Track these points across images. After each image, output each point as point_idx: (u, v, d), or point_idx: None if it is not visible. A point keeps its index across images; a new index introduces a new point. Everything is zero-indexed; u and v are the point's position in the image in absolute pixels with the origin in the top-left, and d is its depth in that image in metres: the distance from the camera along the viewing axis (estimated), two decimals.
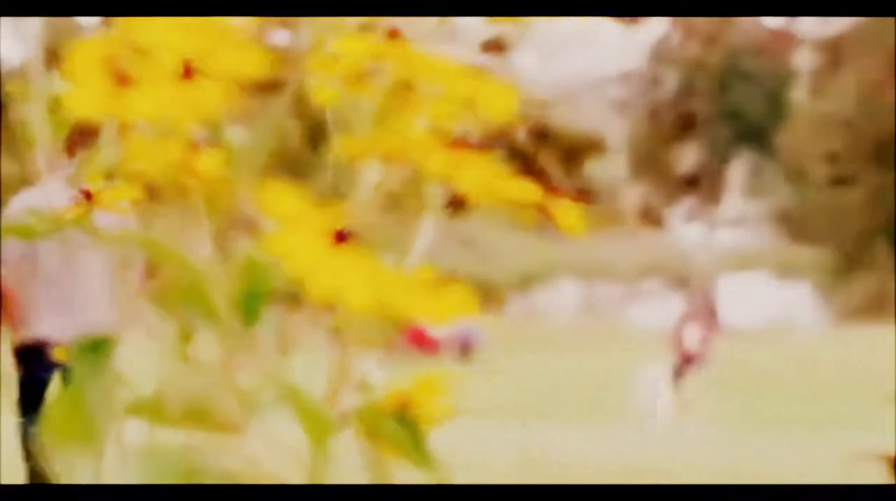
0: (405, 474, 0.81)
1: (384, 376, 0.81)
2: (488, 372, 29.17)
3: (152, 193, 0.79)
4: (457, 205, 0.80)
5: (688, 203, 61.19)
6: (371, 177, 0.78)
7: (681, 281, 42.55)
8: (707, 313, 20.70)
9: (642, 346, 32.10)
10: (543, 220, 0.81)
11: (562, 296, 62.09)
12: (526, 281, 45.27)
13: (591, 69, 51.19)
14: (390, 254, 0.77)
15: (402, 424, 0.80)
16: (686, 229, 56.40)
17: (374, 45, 0.79)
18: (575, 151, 53.71)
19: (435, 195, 0.78)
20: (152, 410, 0.80)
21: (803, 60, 54.63)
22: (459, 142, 0.78)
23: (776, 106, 57.33)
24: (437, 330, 33.29)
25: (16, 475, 5.21)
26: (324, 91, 0.77)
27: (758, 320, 46.11)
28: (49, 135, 1.22)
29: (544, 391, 26.20)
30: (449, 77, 0.80)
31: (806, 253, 44.76)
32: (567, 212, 0.84)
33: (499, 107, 0.82)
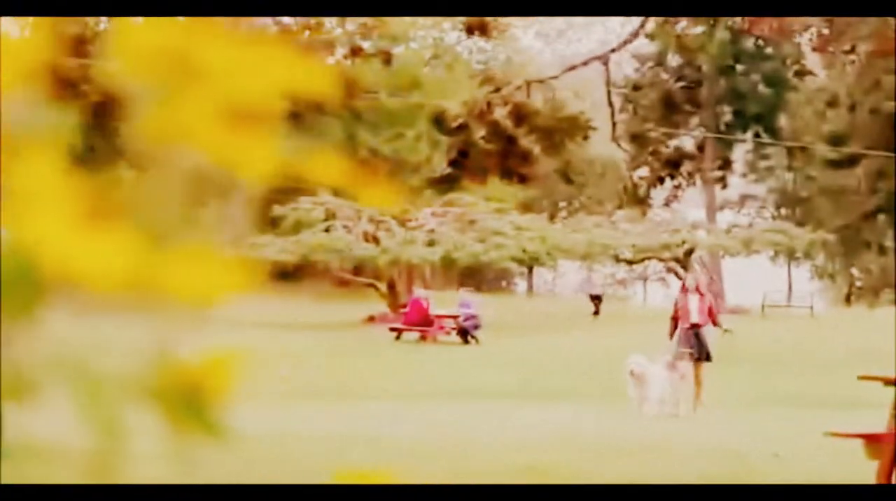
0: (200, 449, 0.82)
1: (182, 350, 0.82)
2: (489, 353, 29.21)
3: None
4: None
5: (689, 184, 61.14)
6: (165, 159, 0.79)
7: (682, 261, 42.58)
8: (708, 288, 20.77)
9: (644, 327, 32.10)
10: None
11: (564, 278, 62.03)
12: (527, 263, 45.29)
13: (592, 49, 51.10)
14: (177, 236, 0.78)
15: (195, 399, 0.81)
16: (687, 210, 56.37)
17: (168, 27, 0.79)
18: (574, 131, 53.60)
19: (229, 177, 0.79)
20: None
21: (805, 39, 54.48)
22: (251, 122, 0.79)
23: (778, 86, 57.25)
24: (438, 308, 33.32)
25: None
26: (118, 75, 0.77)
27: (758, 300, 46.16)
28: None
29: (547, 371, 26.21)
30: (244, 57, 0.81)
31: (807, 234, 44.78)
32: (373, 189, 0.85)
33: (303, 84, 0.83)
